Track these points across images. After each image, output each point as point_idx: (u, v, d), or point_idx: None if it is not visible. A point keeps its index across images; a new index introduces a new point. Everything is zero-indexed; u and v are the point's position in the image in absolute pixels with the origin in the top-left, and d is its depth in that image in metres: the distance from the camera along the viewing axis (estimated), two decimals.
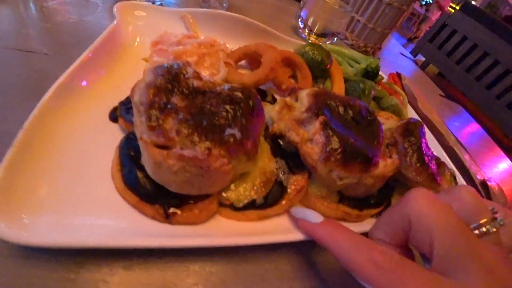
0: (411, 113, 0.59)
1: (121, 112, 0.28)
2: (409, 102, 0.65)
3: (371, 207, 0.34)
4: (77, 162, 0.25)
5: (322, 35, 0.70)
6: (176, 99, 0.23)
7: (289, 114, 0.32)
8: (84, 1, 0.50)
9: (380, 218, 0.26)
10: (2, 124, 0.28)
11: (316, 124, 0.29)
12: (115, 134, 0.28)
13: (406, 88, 0.67)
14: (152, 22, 0.44)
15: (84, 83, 0.30)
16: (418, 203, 0.22)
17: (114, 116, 0.29)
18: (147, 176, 0.23)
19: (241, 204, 0.26)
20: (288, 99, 0.34)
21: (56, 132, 0.26)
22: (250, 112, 0.25)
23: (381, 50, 0.93)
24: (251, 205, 0.27)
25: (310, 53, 0.46)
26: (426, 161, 0.36)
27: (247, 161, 0.24)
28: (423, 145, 0.38)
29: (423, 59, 1.90)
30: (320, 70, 0.47)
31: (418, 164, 0.35)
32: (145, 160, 0.22)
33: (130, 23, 0.42)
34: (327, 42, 0.71)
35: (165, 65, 0.24)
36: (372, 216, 0.35)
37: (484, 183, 0.54)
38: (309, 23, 0.69)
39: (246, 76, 0.36)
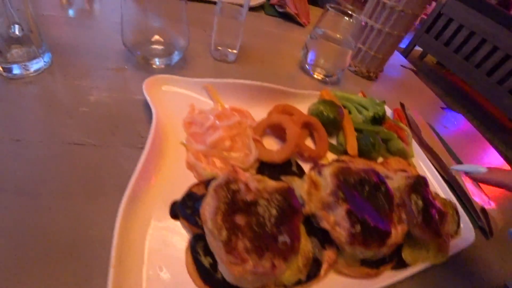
0: (416, 148, 0.64)
1: (181, 214, 0.34)
2: (413, 132, 0.71)
3: (386, 263, 0.40)
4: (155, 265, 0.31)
5: (328, 71, 0.75)
6: (239, 219, 0.28)
7: (316, 194, 0.38)
8: (110, 70, 0.55)
9: None
10: (79, 229, 0.32)
11: (342, 213, 0.35)
12: (178, 231, 0.34)
13: (410, 118, 0.73)
14: (178, 94, 0.49)
15: (145, 185, 0.36)
16: None
17: (174, 214, 0.35)
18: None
19: (290, 284, 0.32)
20: (313, 174, 0.40)
21: (134, 236, 0.31)
22: (291, 213, 0.31)
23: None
24: (298, 283, 0.33)
25: (324, 113, 0.52)
26: (432, 217, 0.42)
27: (295, 256, 0.30)
28: (428, 201, 0.44)
29: (421, 49, 1.92)
30: (334, 127, 0.53)
31: (424, 225, 0.41)
32: (224, 271, 0.28)
33: (159, 99, 0.47)
34: (333, 75, 0.76)
35: (223, 183, 0.30)
36: None
37: (483, 210, 0.59)
38: (315, 62, 0.74)
39: (275, 154, 0.42)
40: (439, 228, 0.43)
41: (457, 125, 0.95)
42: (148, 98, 0.44)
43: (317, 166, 0.41)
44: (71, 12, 0.71)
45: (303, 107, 0.56)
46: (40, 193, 0.34)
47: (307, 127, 0.51)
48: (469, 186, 0.64)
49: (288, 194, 0.33)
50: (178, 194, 0.36)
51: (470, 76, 1.47)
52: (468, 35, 1.53)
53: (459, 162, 0.73)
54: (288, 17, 1.07)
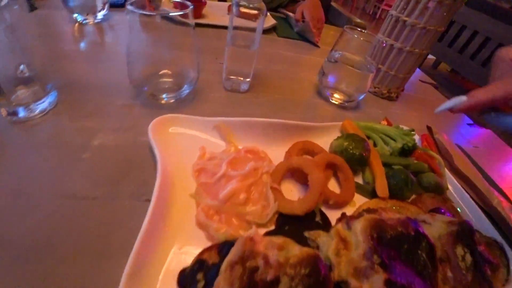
0: (449, 178, 0.58)
1: (190, 287, 0.29)
2: (445, 160, 0.65)
3: None
4: None
5: (347, 95, 0.70)
6: None
7: (346, 254, 0.33)
8: (117, 108, 0.52)
9: None
10: None
11: (380, 283, 0.29)
12: None
13: (439, 143, 0.67)
14: (187, 135, 0.46)
15: (150, 250, 0.31)
16: None
17: (182, 285, 0.30)
18: None
19: None
20: (340, 228, 0.35)
21: None
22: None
23: None
24: None
25: (349, 149, 0.46)
26: (484, 273, 0.36)
27: None
28: (477, 253, 0.38)
29: (434, 58, 1.87)
30: (360, 165, 0.47)
31: (475, 284, 0.35)
32: None
33: (166, 142, 0.43)
34: (353, 100, 0.70)
35: (237, 259, 0.25)
36: None
37: None
38: (334, 87, 0.70)
39: (296, 205, 0.37)
40: (492, 285, 0.37)
41: (486, 143, 0.88)
42: (153, 144, 0.40)
43: (345, 218, 0.36)
44: (81, 46, 0.70)
45: (325, 141, 0.51)
46: (38, 258, 0.30)
47: (331, 167, 0.46)
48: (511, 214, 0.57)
49: (315, 266, 0.27)
50: (187, 259, 0.32)
51: (486, 83, 1.42)
52: (483, 41, 1.50)
53: (495, 185, 0.67)
54: (301, 38, 1.04)
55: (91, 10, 0.80)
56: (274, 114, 0.60)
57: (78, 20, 0.79)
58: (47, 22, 0.78)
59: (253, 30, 0.56)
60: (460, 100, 0.36)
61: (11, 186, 0.36)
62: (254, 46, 0.58)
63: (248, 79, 0.63)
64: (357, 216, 0.36)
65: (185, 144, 0.44)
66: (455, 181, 0.57)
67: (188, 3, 0.49)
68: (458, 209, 0.51)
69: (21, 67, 0.46)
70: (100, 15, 0.82)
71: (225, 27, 0.72)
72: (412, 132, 0.56)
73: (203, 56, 0.72)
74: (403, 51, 0.77)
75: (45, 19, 0.79)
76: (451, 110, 0.37)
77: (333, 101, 0.71)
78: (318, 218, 0.39)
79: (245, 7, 0.53)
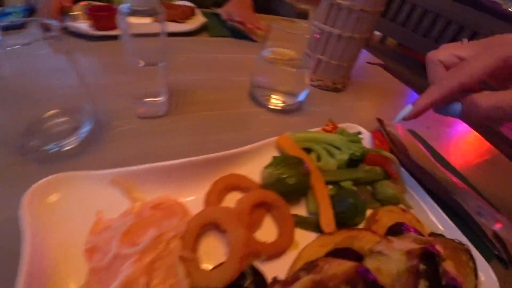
0: (405, 176, 0.52)
1: None
2: (401, 155, 0.59)
3: None
4: None
5: (286, 98, 0.61)
6: None
7: None
8: None
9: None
10: None
11: None
12: None
13: (393, 136, 0.60)
14: (79, 199, 0.35)
15: None
16: None
17: None
18: None
19: None
20: None
21: None
22: None
23: None
24: None
25: (283, 179, 0.38)
26: None
27: None
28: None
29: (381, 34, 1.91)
30: (299, 194, 0.39)
31: None
32: None
33: (47, 216, 0.32)
34: (293, 101, 0.62)
35: None
36: None
37: (495, 234, 0.48)
38: (268, 91, 0.61)
39: (214, 277, 0.28)
40: None
41: (438, 120, 0.84)
42: (24, 223, 0.29)
43: (277, 284, 0.28)
44: None
45: (261, 164, 0.42)
46: None
47: (263, 206, 0.37)
48: (472, 203, 0.53)
49: None
50: None
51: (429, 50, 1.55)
52: (423, 13, 1.57)
53: (451, 169, 0.62)
54: (240, 35, 0.93)
55: None
56: (200, 139, 0.50)
57: None
58: None
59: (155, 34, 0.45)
60: (408, 109, 0.37)
61: None
62: (159, 57, 0.47)
63: (161, 99, 0.52)
64: (292, 280, 0.28)
65: (76, 212, 0.34)
66: (413, 180, 0.51)
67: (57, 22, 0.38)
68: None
69: None
70: None
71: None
72: (360, 136, 0.49)
73: (109, 77, 0.60)
74: (343, 37, 0.69)
75: None
76: (404, 119, 0.38)
77: (271, 107, 0.62)
78: (248, 282, 0.31)
79: (136, 13, 0.42)
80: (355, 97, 0.78)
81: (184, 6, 0.98)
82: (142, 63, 0.47)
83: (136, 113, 0.52)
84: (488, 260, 0.44)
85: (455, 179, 0.57)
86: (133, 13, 0.42)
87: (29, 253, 0.27)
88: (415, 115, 0.36)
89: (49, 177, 0.34)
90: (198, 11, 1.00)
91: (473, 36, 1.37)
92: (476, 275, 0.40)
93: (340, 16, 0.67)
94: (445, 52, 0.34)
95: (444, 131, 0.78)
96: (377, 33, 1.77)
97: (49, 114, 0.44)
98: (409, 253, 0.34)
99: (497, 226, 0.50)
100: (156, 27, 0.44)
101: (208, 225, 0.33)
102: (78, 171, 0.36)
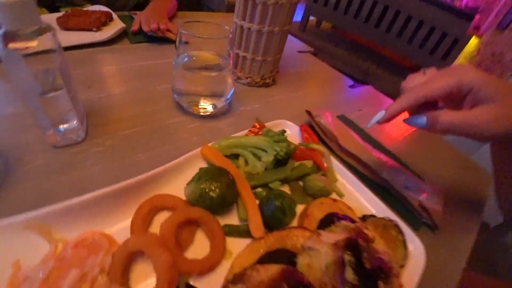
0: (336, 165, 0.54)
1: None
2: (330, 143, 0.61)
3: None
4: None
5: (211, 102, 0.60)
6: None
7: None
8: None
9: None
10: None
11: None
12: None
13: (322, 127, 0.62)
14: None
15: None
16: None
17: None
18: None
19: None
20: None
21: None
22: None
23: None
24: None
25: (206, 193, 0.37)
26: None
27: None
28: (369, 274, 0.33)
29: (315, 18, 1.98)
30: (227, 204, 0.39)
31: None
32: None
33: None
34: (221, 105, 0.61)
35: None
36: None
37: (422, 206, 0.52)
38: (191, 97, 0.59)
39: None
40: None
41: (370, 101, 0.89)
42: None
43: None
44: None
45: (187, 179, 0.41)
46: None
47: (191, 223, 0.36)
48: (400, 178, 0.56)
49: None
50: None
51: (363, 30, 1.65)
52: None
53: (385, 150, 0.66)
54: (160, 39, 0.89)
55: None
56: (126, 161, 0.47)
57: None
58: None
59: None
60: (381, 114, 0.41)
61: None
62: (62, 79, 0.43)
63: (74, 124, 0.48)
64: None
65: None
66: (343, 168, 0.53)
67: None
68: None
69: None
70: None
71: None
72: (284, 134, 0.49)
73: (11, 106, 0.54)
74: (262, 32, 0.69)
75: None
76: (378, 123, 0.41)
77: (199, 113, 0.60)
78: None
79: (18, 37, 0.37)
80: (286, 88, 0.79)
81: (99, 12, 0.90)
82: (40, 89, 0.42)
83: (49, 143, 0.47)
84: (417, 228, 0.48)
85: (384, 158, 0.61)
86: (14, 37, 0.37)
87: None
88: (387, 120, 0.40)
89: None
90: (115, 16, 0.93)
91: (408, 20, 1.47)
92: (405, 247, 0.43)
93: (256, 11, 0.66)
94: (413, 81, 0.41)
95: (374, 112, 0.82)
96: (312, 18, 1.83)
97: None
98: (335, 245, 0.35)
99: (423, 196, 0.54)
100: (47, 46, 0.39)
101: (133, 254, 0.31)
102: None
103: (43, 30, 0.39)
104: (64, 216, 0.34)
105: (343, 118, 0.73)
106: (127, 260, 0.31)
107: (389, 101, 0.91)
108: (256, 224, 0.37)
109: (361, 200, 0.50)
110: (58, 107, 0.45)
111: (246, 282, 0.29)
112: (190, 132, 0.56)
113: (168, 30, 0.89)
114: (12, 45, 0.37)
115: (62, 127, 0.47)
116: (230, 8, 1.70)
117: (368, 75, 1.63)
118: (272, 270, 0.31)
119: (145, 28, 0.85)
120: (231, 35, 0.54)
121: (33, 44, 0.38)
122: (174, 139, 0.53)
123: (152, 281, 0.32)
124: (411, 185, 0.56)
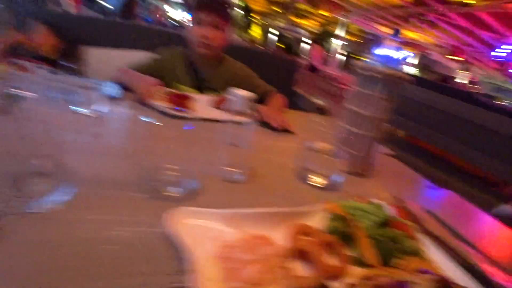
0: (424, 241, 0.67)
1: None
2: (417, 225, 0.74)
3: None
4: None
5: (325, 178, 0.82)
6: None
7: None
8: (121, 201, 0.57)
9: None
10: None
11: None
12: None
13: (408, 210, 0.77)
14: (198, 227, 0.52)
15: None
16: None
17: None
18: None
19: None
20: None
21: None
22: None
23: None
24: None
25: (339, 229, 0.56)
26: None
27: None
28: None
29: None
30: (349, 240, 0.56)
31: None
32: None
33: (182, 234, 0.48)
34: (330, 182, 0.83)
35: None
36: None
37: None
38: (311, 173, 0.83)
39: (300, 280, 0.46)
40: None
41: (451, 203, 1.02)
42: (172, 235, 0.47)
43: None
44: (82, 137, 0.75)
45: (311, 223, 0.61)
46: None
47: (326, 247, 0.54)
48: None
49: None
50: None
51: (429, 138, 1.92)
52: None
53: (466, 241, 0.76)
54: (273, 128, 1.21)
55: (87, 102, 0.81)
56: (266, 201, 0.69)
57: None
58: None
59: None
60: None
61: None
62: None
63: (240, 171, 0.74)
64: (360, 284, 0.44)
65: (198, 234, 0.50)
66: (429, 243, 0.66)
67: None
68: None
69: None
70: (97, 106, 0.83)
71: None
72: (382, 206, 0.67)
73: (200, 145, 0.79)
74: (365, 136, 0.93)
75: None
76: None
77: (317, 185, 0.83)
78: None
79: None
80: (376, 182, 0.98)
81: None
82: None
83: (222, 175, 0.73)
84: None
85: (465, 246, 0.71)
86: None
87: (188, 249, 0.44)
88: None
89: (182, 207, 0.54)
90: None
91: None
92: None
93: (362, 121, 0.92)
94: None
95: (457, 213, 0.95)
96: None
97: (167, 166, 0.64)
98: (432, 280, 0.48)
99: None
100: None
101: (298, 250, 0.50)
102: (203, 208, 0.56)
103: None
104: (247, 218, 0.57)
105: (429, 212, 0.86)
106: (294, 251, 0.50)
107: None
108: (371, 256, 0.53)
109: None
110: (238, 153, 0.72)
111: (375, 280, 0.44)
112: (305, 194, 0.79)
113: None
114: None
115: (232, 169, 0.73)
116: (318, 110, 2.02)
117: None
118: (392, 281, 0.46)
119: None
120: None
121: None
122: (296, 196, 0.75)
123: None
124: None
